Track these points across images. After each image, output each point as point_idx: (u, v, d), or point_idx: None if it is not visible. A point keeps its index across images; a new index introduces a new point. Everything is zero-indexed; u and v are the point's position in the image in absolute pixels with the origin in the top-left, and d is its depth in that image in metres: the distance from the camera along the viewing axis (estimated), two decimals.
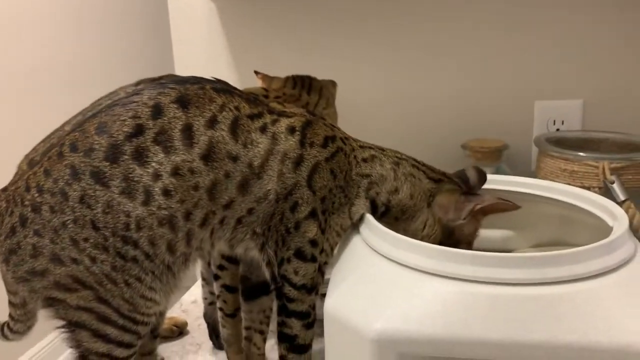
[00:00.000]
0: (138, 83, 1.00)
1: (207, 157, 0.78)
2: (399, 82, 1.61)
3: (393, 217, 0.91)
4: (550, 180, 1.12)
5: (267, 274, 0.88)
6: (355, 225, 0.89)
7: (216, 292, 1.07)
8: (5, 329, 0.90)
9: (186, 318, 1.35)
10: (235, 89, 0.85)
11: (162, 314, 0.96)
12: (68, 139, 0.77)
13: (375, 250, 0.79)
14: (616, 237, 0.72)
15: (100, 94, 0.91)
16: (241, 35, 1.67)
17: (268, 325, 1.06)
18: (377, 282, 0.75)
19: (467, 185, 0.95)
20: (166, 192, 0.76)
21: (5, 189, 0.80)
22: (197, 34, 1.69)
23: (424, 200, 0.91)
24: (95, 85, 1.22)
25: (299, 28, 1.62)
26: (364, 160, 0.90)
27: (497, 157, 1.44)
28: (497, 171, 1.43)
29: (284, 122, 0.84)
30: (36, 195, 0.75)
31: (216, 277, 1.06)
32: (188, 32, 1.69)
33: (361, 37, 1.61)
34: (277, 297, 0.89)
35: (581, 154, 1.23)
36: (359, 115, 1.56)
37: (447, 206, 0.91)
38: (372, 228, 0.83)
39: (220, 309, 1.07)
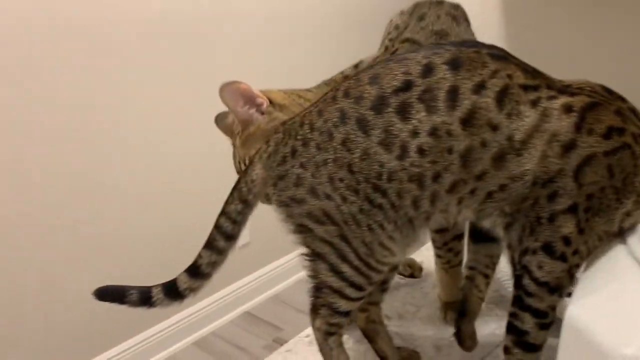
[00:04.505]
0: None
1: (467, 121, 0.75)
2: None
3: None
4: None
5: (507, 257, 0.83)
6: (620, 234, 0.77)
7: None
8: None
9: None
10: (515, 58, 0.79)
11: (394, 268, 0.98)
12: (343, 86, 0.82)
13: None
14: None
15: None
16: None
17: (493, 271, 1.00)
18: (637, 302, 0.63)
19: None
20: (421, 151, 0.76)
21: (284, 123, 0.89)
22: None
23: None
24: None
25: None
26: None
27: None
28: None
29: (561, 100, 0.75)
30: (307, 131, 0.82)
31: None
32: None
33: None
34: (514, 286, 0.83)
35: None
36: None
37: None
38: None
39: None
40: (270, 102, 0.99)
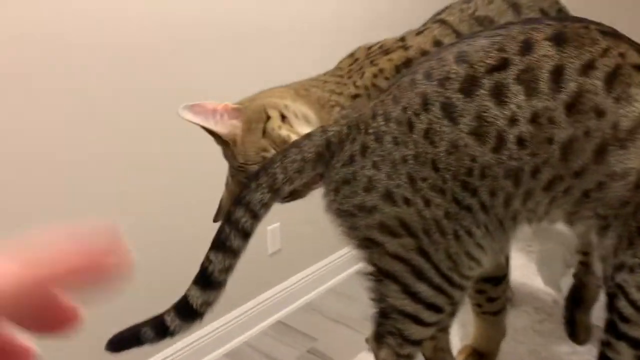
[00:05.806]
0: None
1: (572, 107, 0.62)
2: None
3: None
4: None
5: (599, 269, 0.71)
6: None
7: None
8: None
9: None
10: (626, 37, 0.66)
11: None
12: (422, 67, 0.68)
13: None
14: None
15: None
16: None
17: None
18: None
19: None
20: (520, 141, 0.63)
21: (345, 116, 0.74)
22: None
23: None
24: None
25: None
26: None
27: None
28: None
29: None
30: (382, 123, 0.68)
31: None
32: None
33: None
34: (607, 309, 0.69)
35: None
36: None
37: None
38: None
39: None
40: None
